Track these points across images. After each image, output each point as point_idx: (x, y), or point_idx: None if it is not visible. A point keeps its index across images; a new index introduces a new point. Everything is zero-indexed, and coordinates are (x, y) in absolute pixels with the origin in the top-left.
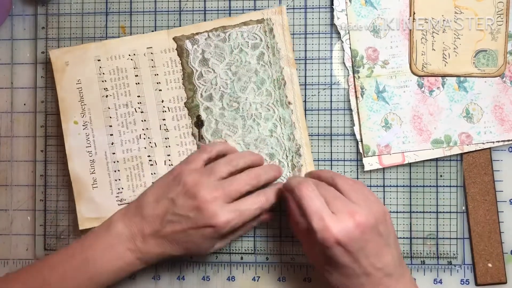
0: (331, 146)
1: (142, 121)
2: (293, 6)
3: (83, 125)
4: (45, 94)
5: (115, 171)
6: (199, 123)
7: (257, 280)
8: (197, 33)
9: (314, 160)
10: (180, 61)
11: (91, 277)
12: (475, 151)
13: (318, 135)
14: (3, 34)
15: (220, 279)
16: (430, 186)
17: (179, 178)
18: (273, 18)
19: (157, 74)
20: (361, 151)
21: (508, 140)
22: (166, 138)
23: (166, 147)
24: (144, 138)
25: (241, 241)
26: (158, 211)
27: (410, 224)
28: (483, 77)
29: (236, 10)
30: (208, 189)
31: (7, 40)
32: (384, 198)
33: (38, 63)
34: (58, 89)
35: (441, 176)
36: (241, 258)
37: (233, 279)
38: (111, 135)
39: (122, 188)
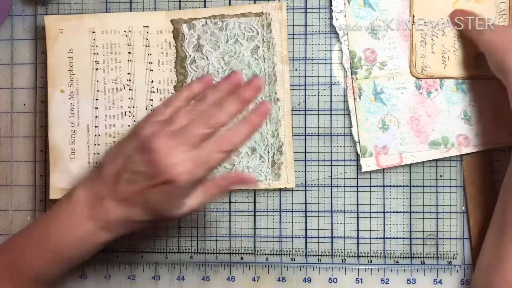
0: (330, 146)
1: (129, 98)
2: (293, 6)
3: (69, 95)
4: (45, 94)
5: (95, 144)
6: None
7: (257, 280)
8: (195, 18)
9: (313, 160)
10: (175, 44)
11: (53, 250)
12: (474, 152)
13: (318, 135)
14: (3, 34)
15: (220, 279)
16: (430, 186)
17: (136, 132)
18: (272, 13)
19: (150, 54)
20: (359, 152)
21: (508, 141)
22: None
23: None
24: (129, 116)
25: (241, 241)
26: (113, 170)
27: (410, 224)
28: (484, 79)
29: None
30: (163, 139)
31: (7, 40)
32: (383, 198)
33: (38, 63)
34: (49, 55)
35: (441, 176)
36: (241, 258)
37: (233, 279)
38: (96, 108)
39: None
